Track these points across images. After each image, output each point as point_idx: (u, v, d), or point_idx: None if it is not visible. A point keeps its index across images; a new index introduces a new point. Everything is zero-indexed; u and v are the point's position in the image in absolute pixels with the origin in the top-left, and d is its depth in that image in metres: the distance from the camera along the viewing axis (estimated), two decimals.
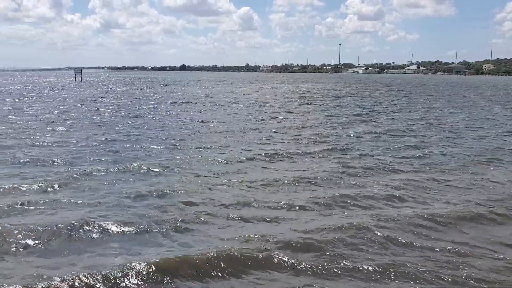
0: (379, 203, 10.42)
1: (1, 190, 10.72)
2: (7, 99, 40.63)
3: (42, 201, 9.94)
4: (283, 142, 18.35)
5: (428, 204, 10.41)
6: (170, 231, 8.45)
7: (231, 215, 9.30)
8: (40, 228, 8.32)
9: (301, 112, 31.59)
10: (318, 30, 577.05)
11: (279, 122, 25.69)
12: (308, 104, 39.91)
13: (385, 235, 8.34)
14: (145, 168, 13.14)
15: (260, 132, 21.36)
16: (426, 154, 16.39)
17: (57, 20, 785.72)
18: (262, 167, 13.81)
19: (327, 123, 25.37)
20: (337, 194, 10.80)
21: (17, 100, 40.52)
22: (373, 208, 10.08)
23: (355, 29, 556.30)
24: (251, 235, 8.14)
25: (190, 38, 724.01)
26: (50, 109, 31.80)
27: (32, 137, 18.85)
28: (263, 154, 15.51)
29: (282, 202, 10.13)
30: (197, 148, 16.79)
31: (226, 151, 16.35)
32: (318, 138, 19.73)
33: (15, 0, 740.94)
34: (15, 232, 8.11)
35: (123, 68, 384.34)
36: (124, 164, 13.69)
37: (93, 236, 8.18)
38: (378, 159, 15.30)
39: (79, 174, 12.36)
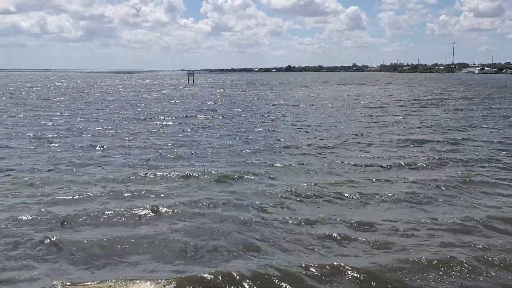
0: None
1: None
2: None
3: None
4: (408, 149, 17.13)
5: None
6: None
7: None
8: None
9: (420, 116, 29.85)
10: (430, 29, 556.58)
11: (402, 128, 24.22)
12: (427, 106, 37.79)
13: None
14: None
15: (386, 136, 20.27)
16: None
17: (172, 24, 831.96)
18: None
19: (454, 128, 23.59)
20: None
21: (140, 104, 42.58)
22: None
23: (470, 27, 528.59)
24: None
25: (296, 39, 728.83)
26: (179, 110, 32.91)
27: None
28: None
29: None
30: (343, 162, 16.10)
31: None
32: (444, 147, 18.24)
33: (134, 6, 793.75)
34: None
35: (232, 70, 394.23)
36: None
37: None
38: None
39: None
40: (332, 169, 14.19)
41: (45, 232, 8.71)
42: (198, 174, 13.23)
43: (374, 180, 12.86)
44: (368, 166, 14.56)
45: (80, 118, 28.90)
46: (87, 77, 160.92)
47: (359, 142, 19.62)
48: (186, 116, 30.00)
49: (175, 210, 10.01)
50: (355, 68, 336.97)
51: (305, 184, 12.28)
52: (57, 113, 31.70)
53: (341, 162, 15.27)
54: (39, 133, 21.48)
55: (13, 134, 21.53)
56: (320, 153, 16.96)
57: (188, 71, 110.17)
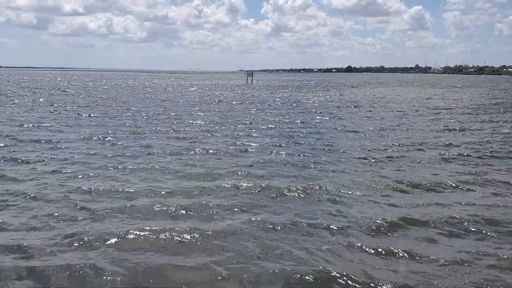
0: None
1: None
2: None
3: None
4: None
5: None
6: None
7: None
8: None
9: (493, 123, 27.61)
10: (498, 29, 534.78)
11: (474, 138, 22.44)
12: (501, 113, 35.20)
13: None
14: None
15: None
16: None
17: (233, 25, 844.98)
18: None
19: None
20: None
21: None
22: None
23: None
24: None
25: (357, 39, 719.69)
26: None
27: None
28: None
29: None
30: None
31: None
32: None
33: (196, 7, 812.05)
34: None
35: (291, 70, 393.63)
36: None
37: None
38: None
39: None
40: (399, 185, 13.09)
41: (89, 253, 8.27)
42: (254, 187, 12.54)
43: (443, 204, 11.54)
44: (438, 185, 13.29)
45: (144, 118, 29.67)
46: (154, 77, 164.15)
47: (429, 151, 18.68)
48: (244, 122, 29.11)
49: (228, 233, 9.23)
50: (418, 69, 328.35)
51: (375, 208, 11.23)
52: (127, 113, 32.42)
53: (408, 175, 14.26)
54: (99, 134, 21.66)
55: (75, 133, 22.00)
56: (384, 165, 15.83)
57: (247, 71, 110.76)
